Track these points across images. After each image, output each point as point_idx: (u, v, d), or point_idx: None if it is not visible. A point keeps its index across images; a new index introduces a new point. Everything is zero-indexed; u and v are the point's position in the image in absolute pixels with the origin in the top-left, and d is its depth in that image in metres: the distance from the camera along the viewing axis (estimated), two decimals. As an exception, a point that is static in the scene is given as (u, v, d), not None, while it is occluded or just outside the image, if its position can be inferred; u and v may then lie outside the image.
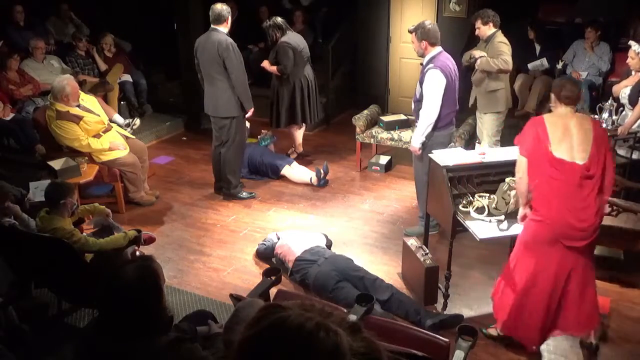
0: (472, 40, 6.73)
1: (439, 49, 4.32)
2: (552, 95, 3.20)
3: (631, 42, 4.86)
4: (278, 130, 6.35)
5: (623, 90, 4.99)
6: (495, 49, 5.02)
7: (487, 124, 5.24)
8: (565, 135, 3.04)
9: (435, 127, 4.36)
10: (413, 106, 4.60)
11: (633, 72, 4.97)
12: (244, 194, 5.48)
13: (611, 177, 3.10)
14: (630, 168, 4.96)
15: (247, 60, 5.54)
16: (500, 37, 5.08)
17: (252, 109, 5.22)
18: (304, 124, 6.28)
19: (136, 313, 1.97)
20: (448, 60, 4.31)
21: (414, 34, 4.33)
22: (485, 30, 5.14)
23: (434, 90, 4.25)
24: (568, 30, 7.32)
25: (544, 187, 3.07)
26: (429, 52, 4.30)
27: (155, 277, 2.04)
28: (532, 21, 7.09)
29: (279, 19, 5.87)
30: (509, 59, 5.00)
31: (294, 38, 5.85)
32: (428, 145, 4.35)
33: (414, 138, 4.44)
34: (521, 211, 3.29)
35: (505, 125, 6.82)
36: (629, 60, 4.90)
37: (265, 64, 5.89)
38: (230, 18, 4.99)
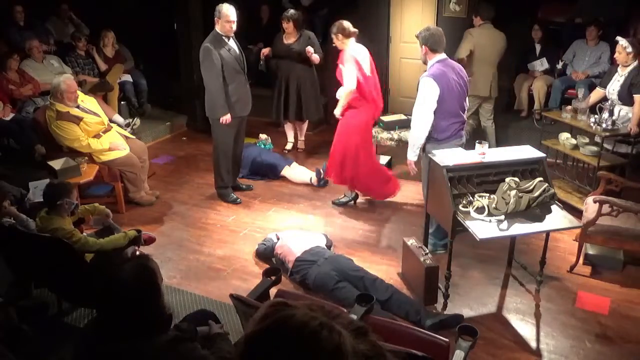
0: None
1: (441, 56, 4.06)
2: (341, 36, 4.83)
3: (618, 38, 5.00)
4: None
5: (610, 86, 5.06)
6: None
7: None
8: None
9: (435, 139, 4.12)
10: None
11: (619, 69, 5.04)
12: (231, 197, 5.43)
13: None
14: (630, 167, 4.99)
15: (247, 61, 5.54)
16: (475, 28, 5.81)
17: (226, 118, 4.99)
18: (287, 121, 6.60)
19: (134, 312, 1.96)
20: (448, 68, 4.03)
21: (418, 38, 4.13)
22: (475, 22, 5.98)
23: (421, 100, 4.02)
24: (568, 30, 7.32)
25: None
26: (431, 59, 4.07)
27: (153, 276, 2.03)
28: (539, 21, 7.09)
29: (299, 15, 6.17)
30: (461, 49, 5.88)
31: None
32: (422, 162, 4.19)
33: (408, 152, 4.25)
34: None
35: (506, 124, 6.85)
36: (616, 55, 5.04)
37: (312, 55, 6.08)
38: (220, 18, 4.85)
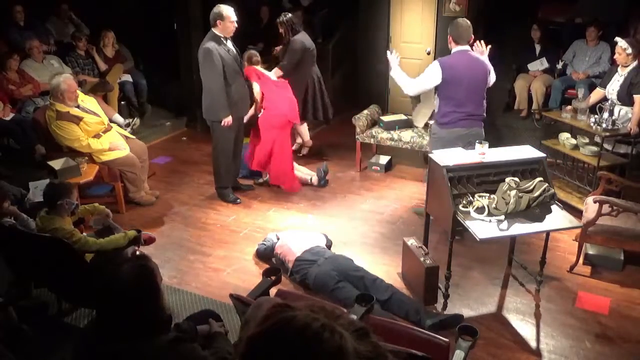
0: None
1: (461, 47, 4.29)
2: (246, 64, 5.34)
3: (617, 39, 5.00)
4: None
5: (610, 86, 5.07)
6: None
7: None
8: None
9: (437, 122, 4.45)
10: None
11: (619, 69, 5.06)
12: (231, 197, 5.42)
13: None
14: (630, 167, 5.00)
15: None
16: None
17: (228, 120, 4.98)
18: (304, 121, 6.42)
19: (134, 313, 1.96)
20: (464, 59, 4.26)
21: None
22: None
23: (422, 75, 4.35)
24: (568, 30, 7.33)
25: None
26: (452, 49, 4.32)
27: (152, 276, 2.03)
28: (538, 22, 7.09)
29: (294, 19, 6.01)
30: None
31: (306, 38, 6.02)
32: (429, 140, 4.39)
33: (393, 71, 4.58)
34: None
35: (504, 124, 6.87)
36: (616, 56, 5.07)
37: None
38: (223, 20, 4.83)
